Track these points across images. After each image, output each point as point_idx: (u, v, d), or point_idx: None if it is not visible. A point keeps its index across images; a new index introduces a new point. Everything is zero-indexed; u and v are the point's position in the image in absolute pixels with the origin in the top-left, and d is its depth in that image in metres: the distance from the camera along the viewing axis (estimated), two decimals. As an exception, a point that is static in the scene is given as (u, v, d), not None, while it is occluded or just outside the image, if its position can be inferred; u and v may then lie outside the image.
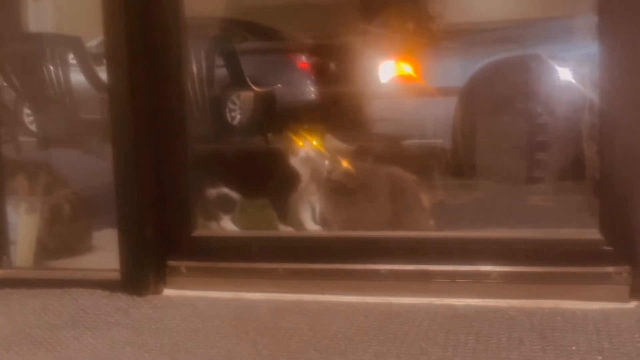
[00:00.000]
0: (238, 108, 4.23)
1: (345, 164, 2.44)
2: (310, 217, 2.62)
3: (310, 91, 4.40)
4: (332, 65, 4.34)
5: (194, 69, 3.48)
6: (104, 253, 2.56)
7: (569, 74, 3.35)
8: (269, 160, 2.87)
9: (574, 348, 1.67)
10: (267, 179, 2.83)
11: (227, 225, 2.84)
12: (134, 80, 2.19)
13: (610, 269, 1.96)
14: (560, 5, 3.73)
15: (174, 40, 2.24)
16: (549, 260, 2.01)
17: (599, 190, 2.00)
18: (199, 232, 2.33)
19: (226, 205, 2.83)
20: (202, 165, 2.53)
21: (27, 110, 4.21)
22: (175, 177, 2.27)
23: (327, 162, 2.49)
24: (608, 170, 1.99)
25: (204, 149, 2.78)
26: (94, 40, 4.20)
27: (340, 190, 2.45)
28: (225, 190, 2.82)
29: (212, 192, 2.82)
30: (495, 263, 2.04)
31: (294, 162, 2.66)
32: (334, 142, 2.56)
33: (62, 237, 2.72)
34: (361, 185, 2.45)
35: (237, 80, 3.92)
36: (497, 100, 3.58)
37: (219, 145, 3.72)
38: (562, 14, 3.71)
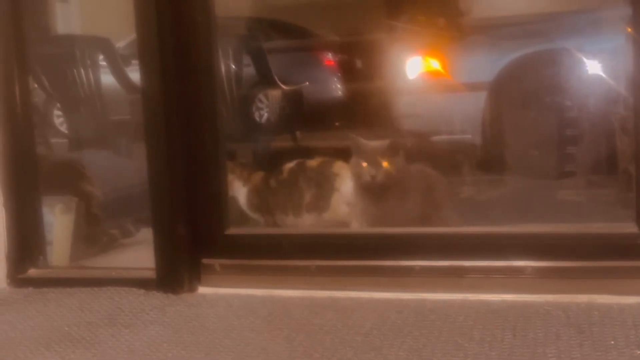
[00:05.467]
0: (265, 106, 4.25)
1: (385, 164, 2.40)
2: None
3: (338, 88, 4.40)
4: (359, 62, 4.35)
5: (222, 68, 3.50)
6: (139, 252, 2.59)
7: (598, 67, 3.33)
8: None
9: (612, 342, 1.65)
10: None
11: None
12: (166, 79, 2.20)
13: (647, 262, 1.94)
14: (589, -2, 3.71)
15: (205, 39, 2.25)
16: (584, 255, 1.98)
17: (636, 182, 1.98)
18: (232, 230, 2.33)
19: None
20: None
21: (57, 112, 4.26)
22: (208, 175, 2.28)
23: (367, 165, 2.43)
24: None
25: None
26: (123, 42, 4.24)
27: (375, 190, 2.42)
28: None
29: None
30: (530, 258, 2.02)
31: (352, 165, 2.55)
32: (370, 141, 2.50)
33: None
34: (398, 182, 2.42)
35: (265, 79, 3.93)
36: (526, 94, 3.56)
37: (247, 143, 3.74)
38: (590, 6, 3.68)
